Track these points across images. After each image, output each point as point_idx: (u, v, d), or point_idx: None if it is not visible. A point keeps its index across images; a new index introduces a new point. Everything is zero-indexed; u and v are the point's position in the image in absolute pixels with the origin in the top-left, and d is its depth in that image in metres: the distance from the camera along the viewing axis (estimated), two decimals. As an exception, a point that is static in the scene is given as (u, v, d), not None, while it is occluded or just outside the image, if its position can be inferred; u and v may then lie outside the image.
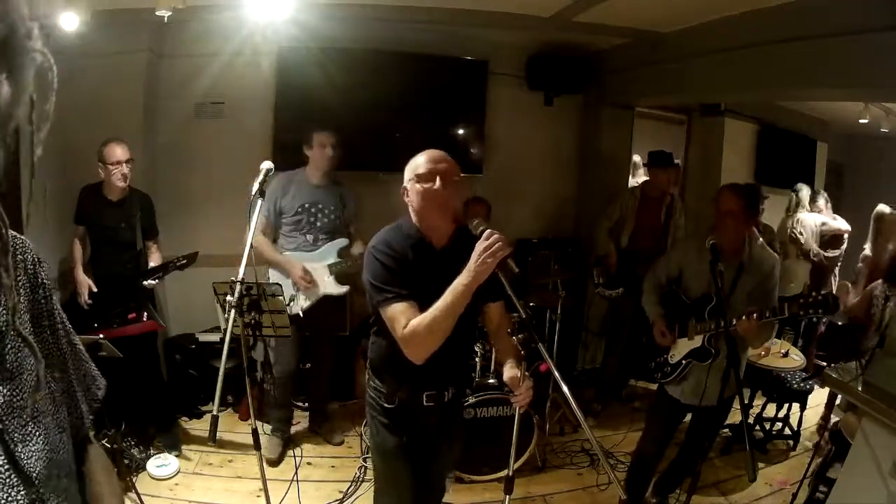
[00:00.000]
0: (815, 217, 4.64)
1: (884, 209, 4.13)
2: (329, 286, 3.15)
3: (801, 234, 4.59)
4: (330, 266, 3.13)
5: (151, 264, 3.06)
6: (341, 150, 3.13)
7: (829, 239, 4.69)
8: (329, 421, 3.50)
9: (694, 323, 2.44)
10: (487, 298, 1.81)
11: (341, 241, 3.18)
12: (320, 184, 3.13)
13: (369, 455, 3.11)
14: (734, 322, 2.21)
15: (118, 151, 2.91)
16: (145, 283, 2.91)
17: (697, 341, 2.45)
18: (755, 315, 2.17)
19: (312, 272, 3.08)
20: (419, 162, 1.71)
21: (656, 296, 2.62)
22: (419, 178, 1.68)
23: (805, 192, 4.75)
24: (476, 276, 1.56)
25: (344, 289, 3.18)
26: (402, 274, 1.65)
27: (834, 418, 3.38)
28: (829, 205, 4.81)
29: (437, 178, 1.66)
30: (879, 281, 3.44)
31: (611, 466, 1.54)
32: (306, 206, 3.09)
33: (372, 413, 1.87)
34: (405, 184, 1.73)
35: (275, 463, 3.16)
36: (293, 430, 3.44)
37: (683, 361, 2.50)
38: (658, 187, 3.92)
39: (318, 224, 3.12)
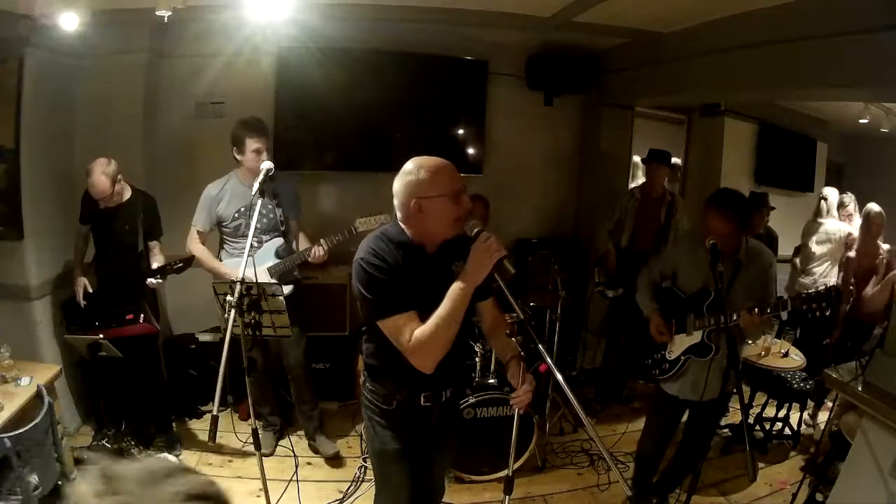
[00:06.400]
0: (841, 227, 4.37)
1: (872, 207, 4.12)
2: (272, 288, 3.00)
3: (818, 243, 4.41)
4: (269, 269, 2.98)
5: (154, 265, 3.06)
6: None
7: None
8: (321, 431, 3.34)
9: (692, 318, 2.44)
10: (481, 297, 1.79)
11: (276, 241, 3.04)
12: (251, 184, 2.84)
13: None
14: (735, 317, 2.21)
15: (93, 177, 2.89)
16: (150, 281, 2.93)
17: (696, 337, 2.45)
18: (756, 310, 2.17)
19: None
20: (439, 180, 1.60)
21: (651, 292, 2.62)
22: (449, 197, 1.60)
23: (833, 196, 4.47)
24: (473, 278, 1.56)
25: (288, 288, 2.96)
26: (397, 284, 1.61)
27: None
28: (857, 207, 4.47)
29: (463, 196, 1.63)
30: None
31: (614, 465, 1.53)
32: (242, 209, 2.98)
33: (369, 415, 1.86)
34: (419, 201, 1.60)
35: (268, 456, 3.20)
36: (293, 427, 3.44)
37: (682, 358, 2.50)
38: (655, 184, 3.93)
39: (258, 225, 2.89)
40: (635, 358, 3.50)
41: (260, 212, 2.88)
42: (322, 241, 2.94)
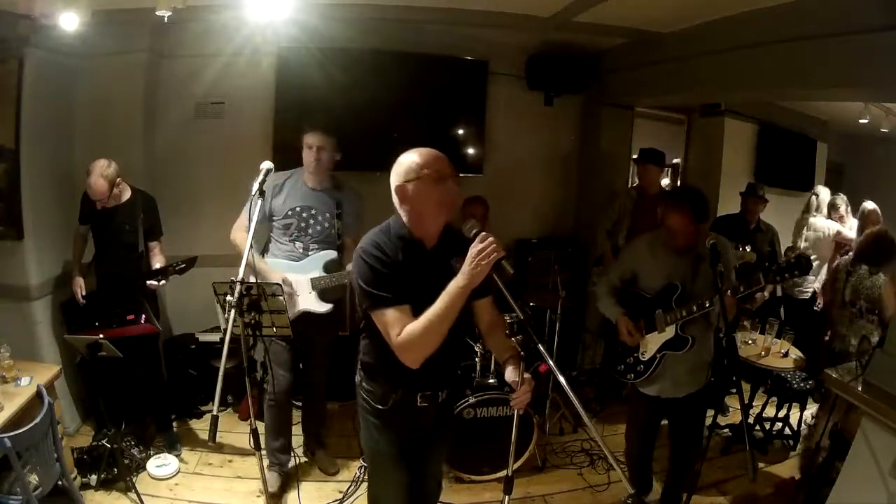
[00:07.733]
0: (829, 224, 4.40)
1: (867, 205, 4.13)
2: (309, 302, 2.83)
3: (806, 240, 4.46)
4: (312, 280, 2.82)
5: (154, 265, 3.06)
6: (335, 152, 2.87)
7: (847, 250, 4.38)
8: (324, 447, 3.24)
9: (662, 314, 2.44)
10: (479, 295, 1.78)
11: (329, 254, 2.87)
12: (317, 187, 2.87)
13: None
14: (708, 304, 2.27)
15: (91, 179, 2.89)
16: (149, 283, 2.92)
17: (670, 332, 2.45)
18: (729, 292, 2.20)
19: (295, 284, 2.78)
20: (425, 162, 1.64)
21: (614, 298, 2.62)
22: (434, 179, 1.62)
23: (824, 195, 4.52)
24: (471, 279, 1.56)
25: (326, 307, 2.86)
26: (395, 277, 1.62)
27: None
28: (850, 209, 4.52)
29: (450, 178, 1.64)
30: (846, 257, 3.49)
31: (616, 464, 1.53)
32: (297, 209, 2.82)
33: (365, 415, 1.86)
34: (404, 184, 1.65)
35: (277, 497, 2.88)
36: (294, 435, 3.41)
37: (657, 356, 2.50)
38: (649, 183, 3.94)
39: (310, 231, 2.84)
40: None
41: (315, 217, 2.86)
42: None
